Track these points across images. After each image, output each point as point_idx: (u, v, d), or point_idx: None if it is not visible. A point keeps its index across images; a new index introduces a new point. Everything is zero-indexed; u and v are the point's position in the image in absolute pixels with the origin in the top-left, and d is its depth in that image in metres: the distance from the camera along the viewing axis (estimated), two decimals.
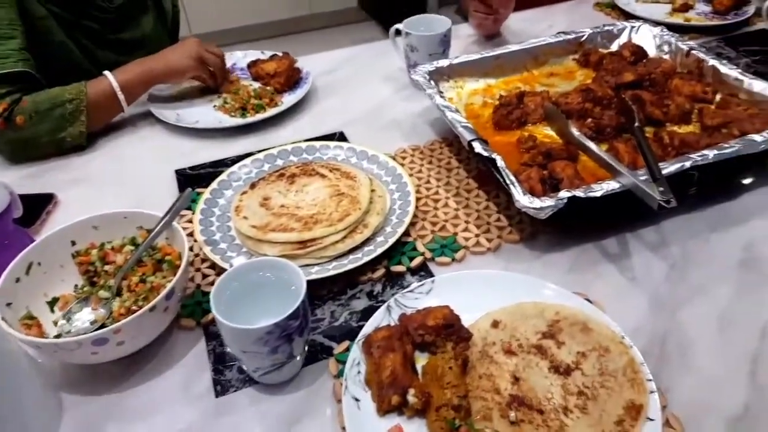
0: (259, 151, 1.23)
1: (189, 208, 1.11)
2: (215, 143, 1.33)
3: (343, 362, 0.81)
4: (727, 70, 1.26)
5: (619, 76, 1.30)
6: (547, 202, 0.93)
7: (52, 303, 0.90)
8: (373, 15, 2.84)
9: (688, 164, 0.99)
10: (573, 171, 1.04)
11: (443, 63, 1.35)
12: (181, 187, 1.20)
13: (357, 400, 0.76)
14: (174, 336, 0.90)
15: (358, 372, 0.79)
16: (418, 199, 1.11)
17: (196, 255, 1.03)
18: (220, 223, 1.06)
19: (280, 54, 1.55)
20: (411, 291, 0.90)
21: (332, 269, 0.95)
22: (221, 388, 0.83)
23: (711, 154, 1.00)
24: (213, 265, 1.01)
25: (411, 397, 0.73)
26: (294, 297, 0.75)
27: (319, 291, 0.95)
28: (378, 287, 0.97)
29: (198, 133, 1.36)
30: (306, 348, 0.82)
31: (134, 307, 0.84)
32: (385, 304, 0.88)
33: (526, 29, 1.73)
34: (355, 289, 0.96)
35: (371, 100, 1.46)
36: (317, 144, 1.24)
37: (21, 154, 1.29)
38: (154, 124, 1.40)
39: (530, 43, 1.42)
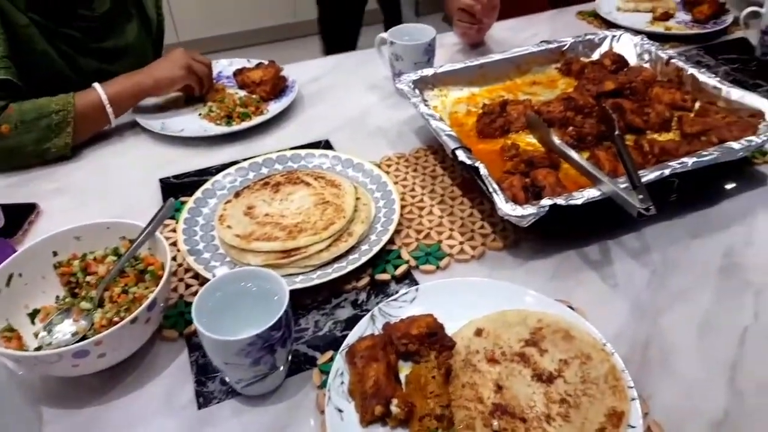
0: (244, 160, 1.23)
1: (173, 217, 1.11)
2: (200, 152, 1.33)
3: (327, 372, 0.81)
4: (705, 78, 1.28)
5: (600, 85, 1.31)
6: (529, 209, 0.94)
7: (33, 315, 0.89)
8: (320, 31, 2.94)
9: (667, 172, 1.00)
10: (555, 179, 1.04)
11: (428, 72, 1.36)
12: (166, 196, 1.19)
13: (340, 411, 0.76)
14: (156, 347, 0.90)
15: (342, 382, 0.79)
16: (402, 207, 1.11)
17: (180, 265, 1.03)
18: (204, 233, 1.06)
19: (266, 62, 1.55)
20: (395, 299, 0.90)
21: (317, 278, 0.95)
22: (204, 399, 0.82)
23: (690, 161, 1.01)
24: (196, 275, 1.00)
25: (394, 408, 0.73)
26: (277, 307, 0.75)
27: (303, 300, 0.95)
28: (362, 296, 0.97)
29: (183, 141, 1.36)
30: (289, 359, 0.82)
31: (116, 319, 0.84)
32: (369, 314, 0.87)
33: (510, 38, 1.74)
34: (339, 298, 0.96)
35: (357, 108, 1.47)
36: (302, 152, 1.24)
37: (4, 163, 1.28)
38: (139, 132, 1.39)
39: (513, 53, 1.44)
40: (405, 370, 0.81)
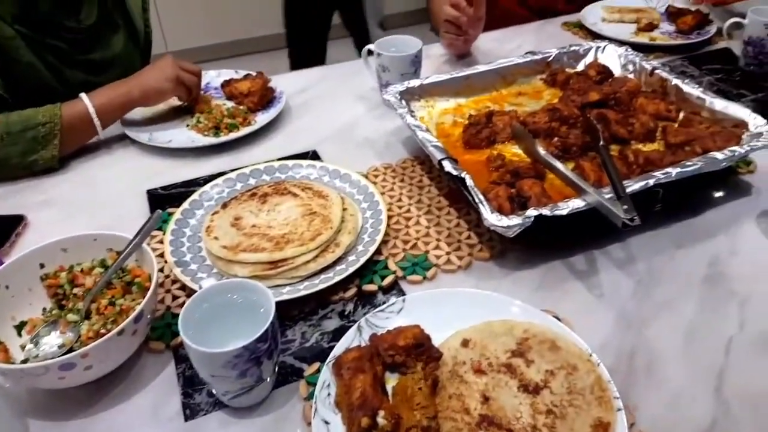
0: (232, 170, 1.23)
1: (160, 229, 1.10)
2: (188, 163, 1.33)
3: (314, 384, 0.81)
4: (689, 89, 1.29)
5: (584, 96, 1.32)
6: (515, 220, 0.94)
7: (19, 327, 0.89)
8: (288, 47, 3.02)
9: (651, 182, 1.01)
10: (540, 189, 1.05)
11: (414, 83, 1.37)
12: (153, 207, 1.19)
13: (327, 423, 0.76)
14: (143, 359, 0.90)
15: (328, 394, 0.79)
16: (389, 218, 1.11)
17: (167, 276, 1.02)
18: (191, 244, 1.06)
19: (254, 73, 1.55)
20: (382, 310, 0.90)
21: (303, 289, 0.95)
22: (190, 411, 0.82)
23: (674, 171, 1.02)
24: (183, 287, 1.00)
25: (381, 419, 0.73)
26: (263, 319, 0.75)
27: (290, 311, 0.95)
28: (350, 306, 0.97)
29: (171, 152, 1.36)
30: (276, 370, 0.82)
31: (103, 331, 0.84)
32: (356, 324, 0.88)
33: (496, 49, 1.76)
34: (326, 308, 0.97)
35: (344, 118, 1.47)
36: (290, 163, 1.25)
37: None
38: (126, 144, 1.39)
39: (499, 64, 1.45)
40: (392, 381, 0.82)
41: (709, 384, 0.84)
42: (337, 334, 0.90)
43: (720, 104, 1.23)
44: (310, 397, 0.81)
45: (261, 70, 1.57)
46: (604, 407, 0.76)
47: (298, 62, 3.02)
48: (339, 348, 0.84)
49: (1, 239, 1.10)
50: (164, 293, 1.00)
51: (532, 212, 0.95)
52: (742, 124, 1.17)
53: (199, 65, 1.48)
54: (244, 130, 1.40)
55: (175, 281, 1.01)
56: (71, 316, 0.87)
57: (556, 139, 1.22)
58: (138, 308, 0.81)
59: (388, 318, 0.89)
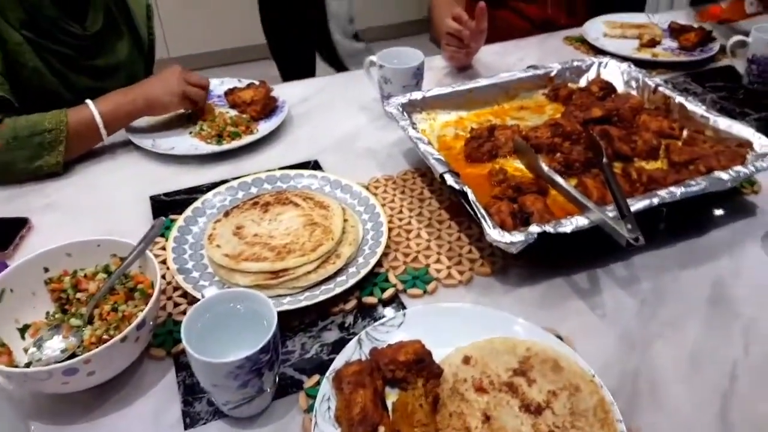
0: (234, 179, 1.23)
1: (163, 235, 1.11)
2: (191, 170, 1.34)
3: (314, 397, 0.81)
4: (693, 107, 1.29)
5: (587, 112, 1.32)
6: (518, 236, 0.94)
7: (23, 330, 0.89)
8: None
9: (656, 201, 1.01)
10: (543, 205, 1.05)
11: (416, 95, 1.37)
12: (156, 214, 1.20)
13: None
14: (144, 365, 0.90)
15: (328, 408, 0.79)
16: (390, 230, 1.12)
17: (169, 283, 1.03)
18: (193, 251, 1.06)
19: (257, 82, 1.56)
20: (382, 324, 0.90)
21: (304, 300, 0.95)
22: (190, 420, 0.82)
23: (678, 191, 1.02)
24: (185, 294, 1.00)
25: None
26: (265, 330, 0.75)
27: (290, 322, 0.95)
28: (350, 319, 0.97)
29: (174, 159, 1.36)
30: (276, 381, 0.82)
31: (105, 336, 0.84)
32: (356, 338, 0.87)
33: (497, 61, 1.76)
34: (326, 320, 0.97)
35: (346, 128, 1.48)
36: (291, 172, 1.25)
37: None
38: (130, 150, 1.39)
39: (501, 78, 1.45)
40: (392, 396, 0.81)
41: (713, 407, 0.83)
42: (337, 346, 0.90)
43: (724, 123, 1.23)
44: (309, 409, 0.81)
45: (262, 77, 1.58)
46: (607, 430, 0.75)
47: (286, 73, 3.04)
48: (339, 361, 0.84)
49: (5, 242, 1.10)
50: (166, 300, 1.00)
51: (535, 229, 0.95)
52: (746, 144, 1.17)
53: (206, 78, 1.49)
54: (246, 139, 1.40)
55: (176, 288, 1.02)
56: (74, 321, 0.88)
57: (558, 154, 1.22)
58: (141, 315, 0.82)
59: (389, 332, 0.89)
